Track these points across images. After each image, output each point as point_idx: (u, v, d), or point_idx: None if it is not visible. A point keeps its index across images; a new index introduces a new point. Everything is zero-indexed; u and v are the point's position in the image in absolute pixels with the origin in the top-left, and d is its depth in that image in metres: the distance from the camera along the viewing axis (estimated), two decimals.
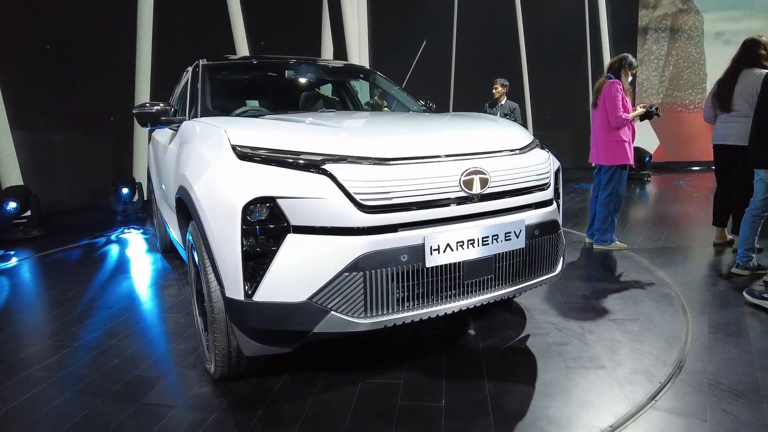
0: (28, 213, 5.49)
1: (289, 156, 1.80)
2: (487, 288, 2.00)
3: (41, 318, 3.15)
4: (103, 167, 6.58)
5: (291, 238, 1.72)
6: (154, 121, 2.70)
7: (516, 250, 2.04)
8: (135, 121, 6.42)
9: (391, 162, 1.82)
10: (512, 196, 2.05)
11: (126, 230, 5.71)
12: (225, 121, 2.18)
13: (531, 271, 2.12)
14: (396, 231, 1.79)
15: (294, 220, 1.72)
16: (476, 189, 1.92)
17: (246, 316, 1.81)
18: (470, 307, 1.97)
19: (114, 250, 4.86)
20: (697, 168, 10.75)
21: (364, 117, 2.73)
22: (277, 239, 1.72)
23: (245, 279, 1.74)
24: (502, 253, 2.00)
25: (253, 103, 3.62)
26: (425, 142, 2.00)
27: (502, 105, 6.10)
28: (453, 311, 1.93)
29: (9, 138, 5.76)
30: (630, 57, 4.13)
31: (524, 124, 6.10)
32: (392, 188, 1.77)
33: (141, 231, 5.66)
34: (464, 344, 2.51)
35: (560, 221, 2.36)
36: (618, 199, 4.14)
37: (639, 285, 3.37)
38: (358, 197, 1.74)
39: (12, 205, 5.30)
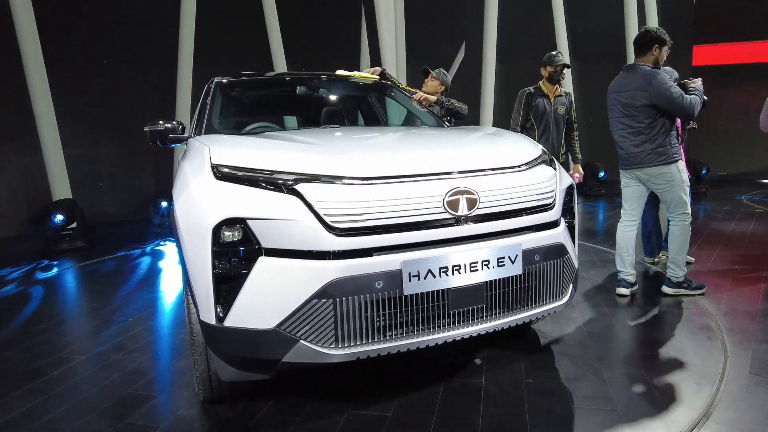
0: (74, 225, 5.80)
1: (262, 175, 1.74)
2: (477, 318, 1.84)
3: (60, 329, 3.26)
4: (146, 181, 6.88)
5: (262, 262, 1.65)
6: (162, 138, 2.75)
7: (512, 276, 1.87)
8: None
9: (366, 182, 1.72)
10: (507, 217, 1.89)
11: (162, 242, 5.91)
12: (214, 139, 2.16)
13: (531, 300, 1.94)
14: (371, 255, 1.68)
15: (265, 243, 1.66)
16: (462, 210, 1.78)
17: (218, 341, 1.76)
18: (458, 339, 1.82)
19: (146, 262, 5.02)
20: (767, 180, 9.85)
21: (360, 134, 2.64)
22: (249, 262, 1.66)
23: (217, 302, 1.69)
24: (495, 280, 1.84)
25: (277, 120, 3.64)
26: (408, 160, 1.88)
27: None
28: (437, 343, 1.78)
29: (60, 154, 6.15)
30: None
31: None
32: (367, 210, 1.67)
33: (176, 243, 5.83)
34: (467, 375, 2.34)
35: (571, 244, 2.15)
36: None
37: (675, 313, 3.05)
38: (328, 219, 1.65)
39: (59, 217, 5.62)
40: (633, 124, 3.18)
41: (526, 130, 4.04)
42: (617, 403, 2.05)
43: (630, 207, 3.36)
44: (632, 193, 3.34)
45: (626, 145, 3.23)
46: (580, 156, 4.12)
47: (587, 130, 9.31)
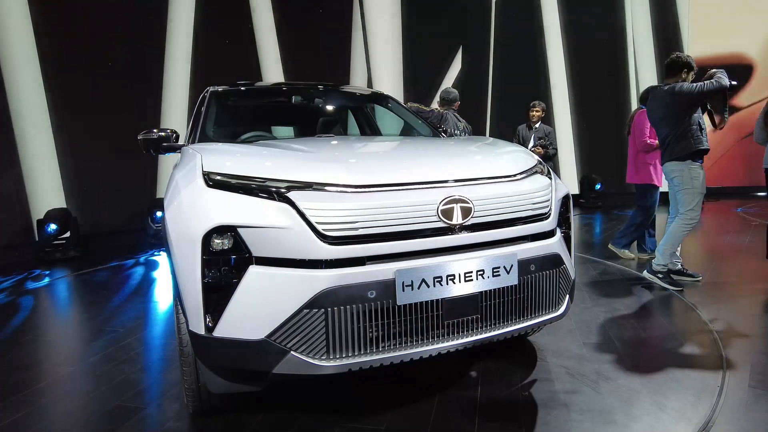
0: (68, 234, 5.75)
1: (254, 183, 1.72)
2: (472, 330, 1.81)
3: (49, 340, 3.21)
4: (141, 190, 6.83)
5: (253, 270, 1.62)
6: (156, 147, 2.73)
7: (507, 287, 1.84)
8: None
9: (360, 189, 1.70)
10: (502, 226, 1.87)
11: (156, 253, 5.86)
12: (207, 147, 2.14)
13: (526, 311, 1.91)
14: (363, 264, 1.66)
15: (256, 251, 1.63)
16: (457, 219, 1.75)
17: (207, 352, 1.72)
18: (452, 350, 1.78)
19: (139, 272, 4.98)
20: (763, 194, 9.88)
21: (355, 142, 2.63)
22: (239, 271, 1.63)
23: (206, 312, 1.66)
24: (490, 290, 1.81)
25: (272, 130, 3.63)
26: (402, 168, 1.87)
27: (537, 128, 5.81)
28: (431, 355, 1.75)
29: (56, 164, 6.11)
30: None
31: (556, 148, 5.79)
32: (359, 218, 1.65)
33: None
34: (462, 388, 2.30)
35: (567, 255, 2.13)
36: (645, 215, 4.63)
37: (674, 325, 3.02)
38: (320, 227, 1.63)
39: (52, 226, 5.57)
40: None
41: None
42: (615, 416, 2.01)
43: None
44: None
45: None
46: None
47: (584, 145, 9.36)
